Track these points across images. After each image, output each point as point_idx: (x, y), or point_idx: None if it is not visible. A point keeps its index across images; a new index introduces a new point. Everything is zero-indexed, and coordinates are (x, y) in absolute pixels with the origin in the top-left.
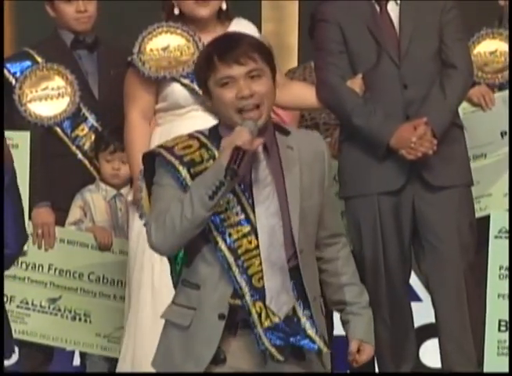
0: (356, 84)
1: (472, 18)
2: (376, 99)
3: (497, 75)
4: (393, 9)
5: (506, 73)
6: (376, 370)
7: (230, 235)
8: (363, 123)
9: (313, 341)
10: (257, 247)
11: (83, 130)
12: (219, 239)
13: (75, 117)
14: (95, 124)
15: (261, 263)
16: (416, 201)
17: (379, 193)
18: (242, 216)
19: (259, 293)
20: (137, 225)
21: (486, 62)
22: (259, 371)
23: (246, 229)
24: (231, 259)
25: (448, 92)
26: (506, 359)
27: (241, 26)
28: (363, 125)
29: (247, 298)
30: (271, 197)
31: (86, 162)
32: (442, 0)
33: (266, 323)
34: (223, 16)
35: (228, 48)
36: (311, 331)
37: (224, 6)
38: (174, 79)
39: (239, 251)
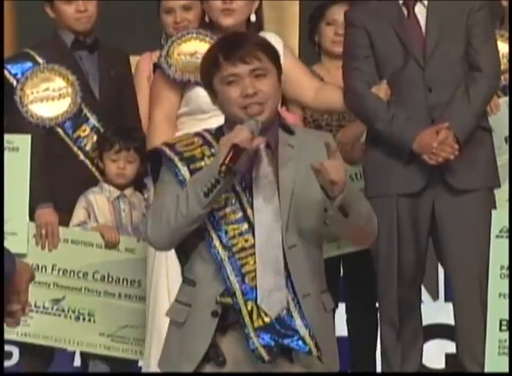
0: (381, 90)
1: None
2: (401, 103)
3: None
4: (420, 11)
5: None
6: (379, 369)
7: (226, 232)
8: (385, 128)
9: (304, 343)
10: (254, 246)
11: (85, 131)
12: (214, 236)
13: (76, 118)
14: (97, 124)
15: (256, 262)
16: (437, 205)
17: (398, 195)
18: (240, 214)
19: (252, 292)
20: None
21: None
22: (254, 369)
23: (244, 227)
24: (224, 256)
25: (473, 96)
26: (507, 358)
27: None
28: (385, 130)
29: (238, 296)
30: (271, 196)
31: (88, 163)
32: (471, 0)
33: (257, 323)
34: (252, 28)
35: (234, 46)
36: (303, 332)
37: (253, 18)
38: (198, 83)
39: (235, 249)
